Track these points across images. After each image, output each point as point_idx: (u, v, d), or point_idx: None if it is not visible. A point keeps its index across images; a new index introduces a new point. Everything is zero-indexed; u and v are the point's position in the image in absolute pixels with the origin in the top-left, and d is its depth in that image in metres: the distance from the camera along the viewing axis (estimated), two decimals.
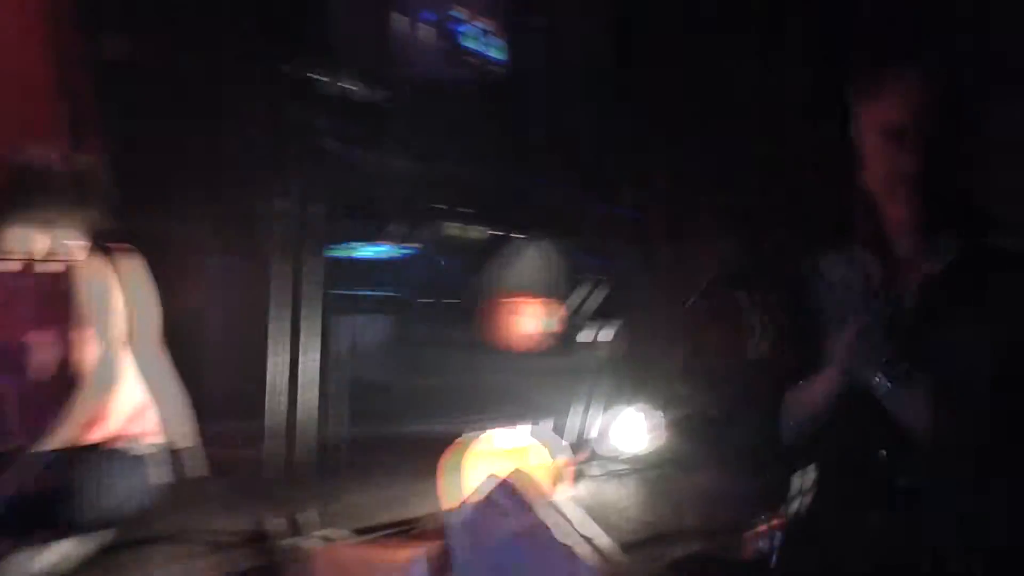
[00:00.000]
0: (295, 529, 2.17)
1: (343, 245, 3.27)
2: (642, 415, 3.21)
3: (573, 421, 3.18)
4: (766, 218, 3.42)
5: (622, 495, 2.81)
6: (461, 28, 3.50)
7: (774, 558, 1.58)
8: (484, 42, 3.59)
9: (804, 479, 1.60)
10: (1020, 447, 1.37)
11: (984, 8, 2.88)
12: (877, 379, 1.46)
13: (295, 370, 2.31)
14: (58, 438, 2.13)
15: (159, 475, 2.27)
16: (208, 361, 2.59)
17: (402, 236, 3.40)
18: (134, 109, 3.04)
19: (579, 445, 3.12)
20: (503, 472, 1.99)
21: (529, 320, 3.48)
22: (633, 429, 3.19)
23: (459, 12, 3.49)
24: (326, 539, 2.17)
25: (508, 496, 1.89)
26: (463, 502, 2.08)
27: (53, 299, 2.19)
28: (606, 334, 3.37)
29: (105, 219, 2.28)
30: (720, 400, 3.25)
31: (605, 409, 3.22)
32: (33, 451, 2.10)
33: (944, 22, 2.87)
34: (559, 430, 3.04)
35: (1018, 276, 1.44)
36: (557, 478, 2.55)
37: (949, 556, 1.33)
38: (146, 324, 2.31)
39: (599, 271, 3.51)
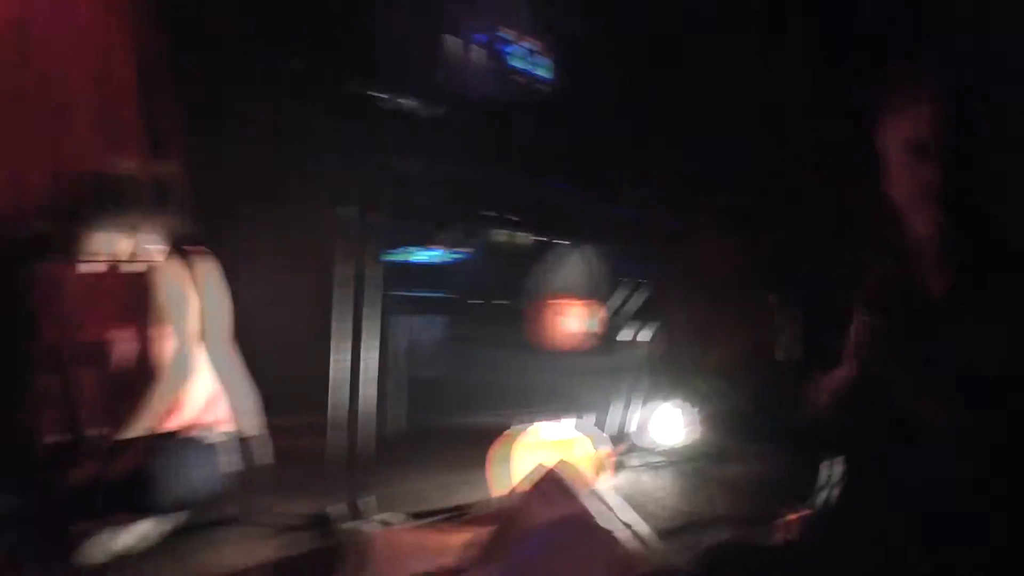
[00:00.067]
0: (355, 513, 2.25)
1: (401, 250, 3.36)
2: (679, 410, 3.28)
3: (614, 415, 3.24)
4: (800, 223, 3.41)
5: (659, 485, 2.85)
6: (508, 48, 3.59)
7: (802, 545, 1.60)
8: (530, 61, 3.67)
9: (830, 470, 1.64)
10: None
11: (984, 8, 2.83)
12: (894, 378, 1.49)
13: (356, 366, 2.37)
14: (138, 426, 2.24)
15: (229, 462, 2.37)
16: (275, 358, 2.60)
17: (455, 242, 3.48)
18: (209, 120, 3.10)
19: (619, 438, 3.18)
20: (549, 462, 2.08)
21: (572, 321, 3.52)
22: (670, 423, 3.25)
23: (507, 33, 3.57)
24: (384, 523, 2.25)
25: (554, 484, 1.97)
26: (512, 490, 2.18)
27: (135, 298, 2.31)
28: (645, 334, 3.41)
29: (183, 224, 2.39)
30: (750, 396, 3.29)
31: (644, 404, 3.29)
32: (115, 438, 2.22)
33: (944, 22, 2.84)
34: (601, 424, 3.12)
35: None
36: (599, 468, 2.62)
37: (952, 554, 1.34)
38: (218, 322, 2.41)
39: (638, 275, 3.53)
